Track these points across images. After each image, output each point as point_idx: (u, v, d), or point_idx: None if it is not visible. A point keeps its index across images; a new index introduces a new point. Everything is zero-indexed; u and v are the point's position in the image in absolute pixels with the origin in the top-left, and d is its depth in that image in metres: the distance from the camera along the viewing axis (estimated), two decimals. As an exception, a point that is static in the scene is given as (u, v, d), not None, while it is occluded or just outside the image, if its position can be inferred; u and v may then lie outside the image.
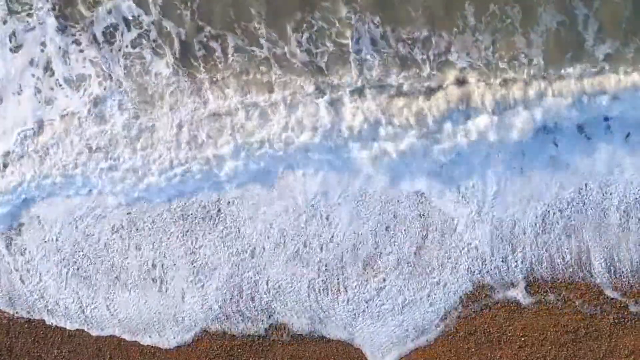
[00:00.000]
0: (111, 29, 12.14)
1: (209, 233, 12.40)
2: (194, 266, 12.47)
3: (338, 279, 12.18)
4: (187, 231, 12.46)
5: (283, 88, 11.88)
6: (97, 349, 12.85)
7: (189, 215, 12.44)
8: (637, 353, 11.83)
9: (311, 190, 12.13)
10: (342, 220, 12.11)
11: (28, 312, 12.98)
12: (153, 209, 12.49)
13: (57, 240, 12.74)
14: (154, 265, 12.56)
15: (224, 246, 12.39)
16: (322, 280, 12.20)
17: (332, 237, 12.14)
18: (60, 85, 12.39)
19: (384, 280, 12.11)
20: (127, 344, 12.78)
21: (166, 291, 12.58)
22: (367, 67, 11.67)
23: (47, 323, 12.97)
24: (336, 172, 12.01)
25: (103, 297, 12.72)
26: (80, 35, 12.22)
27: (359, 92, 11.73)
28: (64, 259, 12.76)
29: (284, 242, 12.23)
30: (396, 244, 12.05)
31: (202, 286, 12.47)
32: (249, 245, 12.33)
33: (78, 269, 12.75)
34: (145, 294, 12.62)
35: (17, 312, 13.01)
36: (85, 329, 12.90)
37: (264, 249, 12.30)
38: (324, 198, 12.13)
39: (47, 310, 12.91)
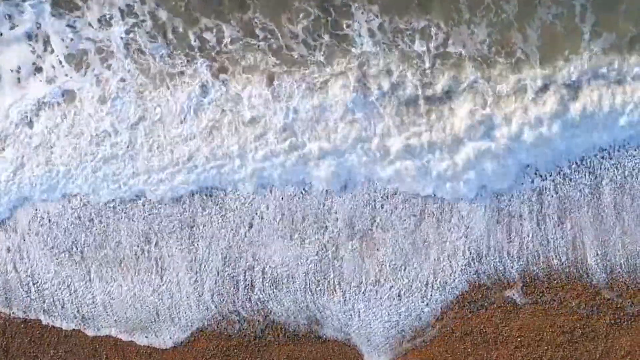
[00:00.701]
0: (106, 18, 12.20)
1: (207, 222, 12.44)
2: (192, 258, 12.49)
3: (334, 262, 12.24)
4: (186, 220, 12.49)
5: (282, 79, 11.93)
6: (93, 349, 12.83)
7: (186, 205, 12.48)
8: (634, 354, 11.83)
9: (311, 174, 12.18)
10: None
11: (24, 312, 12.95)
12: (150, 196, 12.53)
13: (49, 222, 12.73)
14: (149, 253, 12.58)
15: (222, 220, 12.43)
16: (319, 261, 12.23)
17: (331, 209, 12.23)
18: (61, 63, 12.44)
19: (381, 262, 12.13)
20: (124, 344, 12.76)
21: (162, 278, 12.57)
22: (368, 59, 11.73)
23: (44, 323, 12.93)
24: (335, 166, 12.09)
25: (97, 282, 12.70)
26: (74, 22, 12.28)
27: (359, 82, 11.82)
28: (57, 243, 12.75)
29: (282, 216, 12.30)
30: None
31: (199, 279, 12.48)
32: (249, 216, 12.37)
33: (71, 252, 12.75)
34: (142, 286, 12.64)
35: (13, 312, 12.98)
36: (82, 329, 12.87)
37: (261, 218, 12.33)
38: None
39: (44, 310, 12.88)
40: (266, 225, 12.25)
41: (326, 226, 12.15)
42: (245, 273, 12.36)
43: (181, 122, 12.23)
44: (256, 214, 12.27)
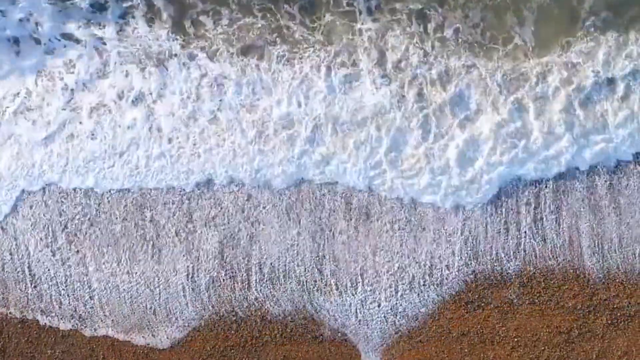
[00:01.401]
0: (100, 2, 12.27)
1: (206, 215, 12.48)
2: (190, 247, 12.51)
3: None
4: (184, 212, 12.50)
5: (282, 61, 11.98)
6: (90, 350, 12.80)
7: (184, 197, 12.50)
8: (630, 354, 11.83)
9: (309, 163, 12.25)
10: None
11: (21, 312, 12.93)
12: (150, 182, 12.55)
13: (48, 215, 12.72)
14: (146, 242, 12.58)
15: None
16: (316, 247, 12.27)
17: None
18: (57, 38, 12.42)
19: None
20: (121, 344, 12.73)
21: (160, 262, 12.57)
22: (368, 39, 11.78)
23: (41, 323, 12.91)
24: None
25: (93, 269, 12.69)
26: (68, 11, 12.34)
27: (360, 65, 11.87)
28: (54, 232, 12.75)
29: (280, 197, 12.34)
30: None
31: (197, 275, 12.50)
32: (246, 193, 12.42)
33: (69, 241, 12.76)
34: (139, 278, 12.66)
35: (10, 312, 12.95)
36: (79, 329, 12.86)
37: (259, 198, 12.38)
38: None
39: (41, 310, 12.87)
40: (263, 203, 12.28)
41: (323, 205, 12.18)
42: (242, 271, 12.37)
43: (180, 108, 12.24)
44: (254, 199, 12.31)
